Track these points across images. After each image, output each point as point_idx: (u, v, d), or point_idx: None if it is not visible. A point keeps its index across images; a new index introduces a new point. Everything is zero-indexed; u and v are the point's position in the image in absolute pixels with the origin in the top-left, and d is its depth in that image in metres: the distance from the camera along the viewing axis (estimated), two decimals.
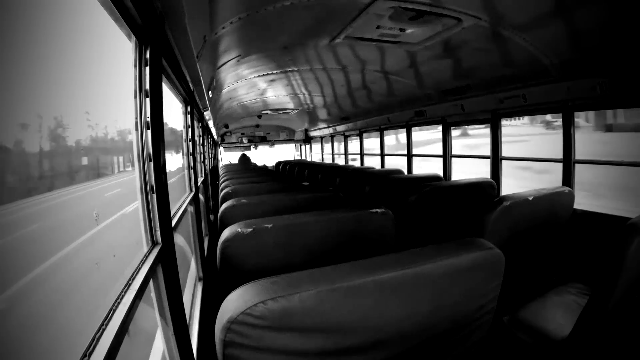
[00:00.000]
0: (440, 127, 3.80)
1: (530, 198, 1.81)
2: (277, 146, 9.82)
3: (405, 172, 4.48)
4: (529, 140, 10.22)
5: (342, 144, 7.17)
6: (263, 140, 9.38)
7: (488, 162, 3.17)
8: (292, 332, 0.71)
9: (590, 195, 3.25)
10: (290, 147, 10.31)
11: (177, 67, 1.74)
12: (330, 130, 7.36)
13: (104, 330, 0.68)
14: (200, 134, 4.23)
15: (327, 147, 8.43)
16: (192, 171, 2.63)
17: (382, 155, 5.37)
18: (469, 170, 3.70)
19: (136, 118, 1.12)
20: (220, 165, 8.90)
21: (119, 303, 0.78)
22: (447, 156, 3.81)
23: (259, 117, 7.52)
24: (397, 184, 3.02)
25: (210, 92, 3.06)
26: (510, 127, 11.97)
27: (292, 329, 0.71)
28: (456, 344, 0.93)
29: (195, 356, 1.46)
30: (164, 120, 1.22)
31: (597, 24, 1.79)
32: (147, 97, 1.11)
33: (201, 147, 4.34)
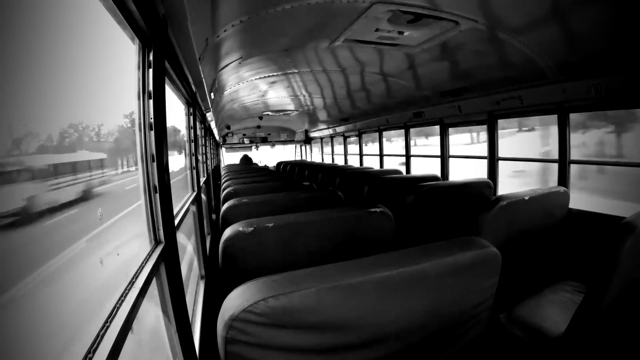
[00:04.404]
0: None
1: (527, 198, 1.82)
2: (278, 147, 9.86)
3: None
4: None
5: (343, 145, 7.20)
6: (264, 141, 9.39)
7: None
8: (293, 329, 0.72)
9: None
10: (291, 147, 10.35)
11: (180, 69, 1.76)
12: (330, 131, 7.38)
13: (108, 327, 0.69)
14: (203, 134, 4.25)
15: (327, 148, 8.45)
16: (194, 171, 2.65)
17: (381, 155, 5.38)
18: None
19: (139, 119, 1.14)
20: (222, 165, 8.92)
21: (122, 301, 0.79)
22: (444, 157, 3.84)
23: (260, 118, 7.53)
24: (396, 184, 3.03)
25: (212, 94, 3.08)
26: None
27: (293, 326, 0.72)
28: (453, 341, 0.94)
29: (198, 353, 1.47)
30: (166, 121, 1.25)
31: (592, 27, 1.81)
32: (151, 98, 1.13)
33: (203, 147, 4.36)
